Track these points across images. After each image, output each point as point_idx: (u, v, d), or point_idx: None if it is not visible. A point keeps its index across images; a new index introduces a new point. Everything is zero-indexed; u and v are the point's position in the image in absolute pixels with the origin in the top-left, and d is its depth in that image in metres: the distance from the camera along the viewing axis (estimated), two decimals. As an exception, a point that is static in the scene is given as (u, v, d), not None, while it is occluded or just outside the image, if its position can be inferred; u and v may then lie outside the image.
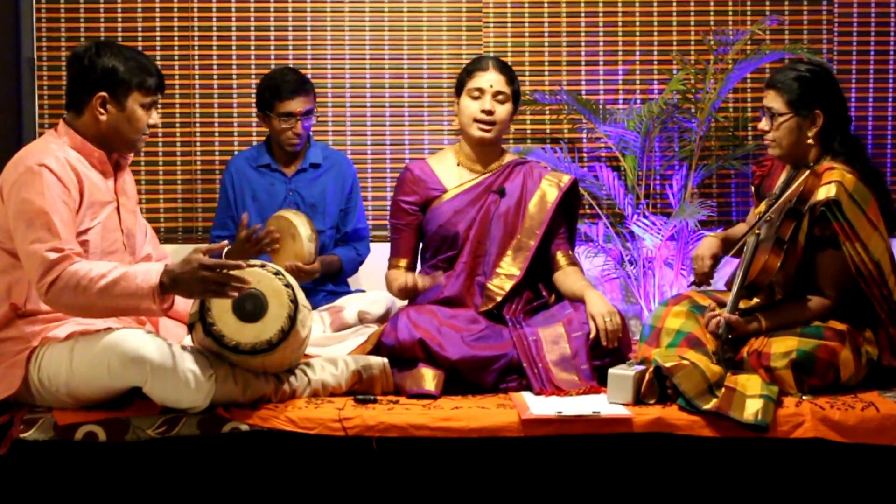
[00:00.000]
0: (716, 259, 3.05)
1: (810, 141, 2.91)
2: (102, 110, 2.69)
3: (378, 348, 2.92)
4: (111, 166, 2.77)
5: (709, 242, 3.08)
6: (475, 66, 3.21)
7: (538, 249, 3.17)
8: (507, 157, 3.29)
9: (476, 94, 3.16)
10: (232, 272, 2.50)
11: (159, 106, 2.82)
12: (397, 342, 2.86)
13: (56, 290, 2.52)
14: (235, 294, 2.53)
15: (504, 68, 3.21)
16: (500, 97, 3.16)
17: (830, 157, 2.91)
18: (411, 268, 3.28)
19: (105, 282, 2.51)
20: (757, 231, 2.89)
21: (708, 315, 2.86)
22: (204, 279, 2.48)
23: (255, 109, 4.39)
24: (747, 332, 2.84)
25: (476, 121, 3.16)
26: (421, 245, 3.31)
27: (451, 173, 3.26)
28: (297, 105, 3.71)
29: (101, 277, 2.51)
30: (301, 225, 3.50)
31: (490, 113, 3.14)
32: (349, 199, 3.90)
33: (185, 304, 2.92)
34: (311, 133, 3.92)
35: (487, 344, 2.91)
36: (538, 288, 3.21)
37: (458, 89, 3.24)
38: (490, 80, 3.16)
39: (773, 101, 2.91)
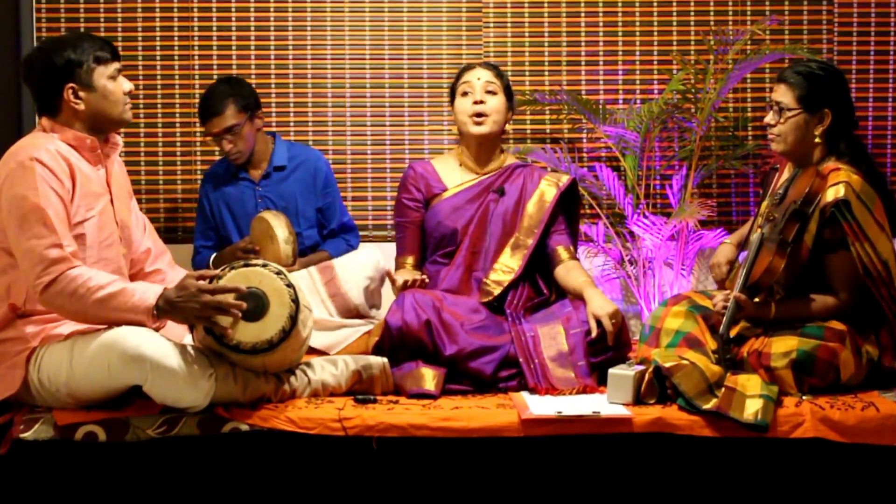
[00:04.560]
0: (732, 265, 3.12)
1: (817, 140, 2.91)
2: (77, 100, 2.69)
3: (383, 335, 2.91)
4: (102, 155, 2.77)
5: (724, 250, 3.13)
6: (463, 69, 3.31)
7: (537, 247, 3.18)
8: (509, 159, 3.32)
9: (466, 90, 3.23)
10: (224, 280, 2.52)
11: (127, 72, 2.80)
12: (404, 323, 2.87)
13: (52, 291, 2.52)
14: (227, 328, 2.55)
15: (490, 66, 3.30)
16: (490, 88, 3.22)
17: (835, 158, 2.91)
18: (418, 265, 3.29)
19: (102, 294, 2.52)
20: (760, 230, 2.89)
21: (717, 299, 2.86)
22: (201, 305, 2.51)
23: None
24: (755, 315, 2.84)
25: (470, 116, 3.21)
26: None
27: (453, 173, 3.30)
28: (213, 127, 3.71)
29: (99, 289, 2.52)
30: (279, 227, 3.50)
31: (481, 103, 3.20)
32: (325, 194, 3.87)
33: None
34: (276, 134, 3.92)
35: (487, 334, 2.93)
36: (538, 285, 3.21)
37: (452, 95, 3.31)
38: (477, 75, 3.24)
39: (783, 95, 2.91)
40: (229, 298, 2.54)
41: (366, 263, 3.47)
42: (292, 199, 3.82)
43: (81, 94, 2.70)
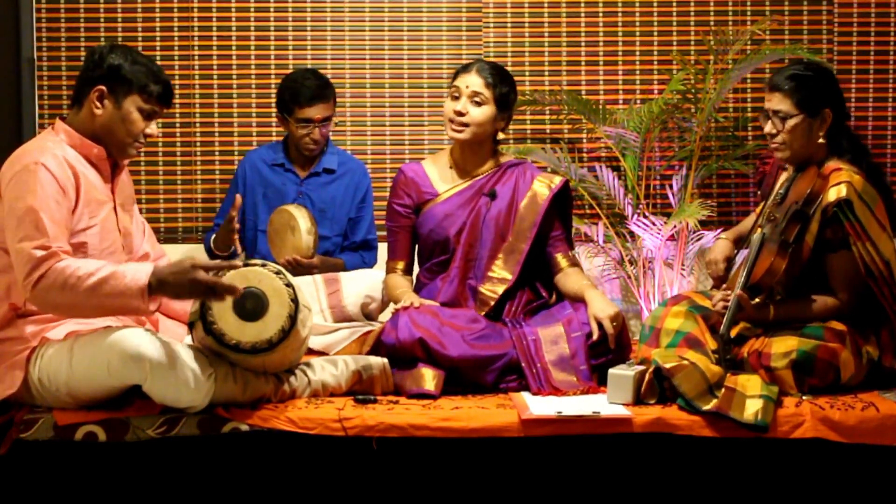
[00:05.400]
0: (729, 261, 3.07)
1: (821, 140, 2.90)
2: (99, 104, 2.68)
3: (377, 347, 2.91)
4: (109, 165, 2.77)
5: (721, 245, 3.09)
6: (460, 69, 3.21)
7: (533, 251, 3.15)
8: (502, 159, 3.26)
9: (455, 94, 3.16)
10: (223, 279, 2.51)
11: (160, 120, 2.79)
12: (397, 341, 2.86)
13: (42, 287, 2.50)
14: (223, 299, 2.53)
15: (486, 71, 3.16)
16: (476, 99, 3.12)
17: (837, 157, 2.90)
18: (408, 270, 3.26)
19: (92, 280, 2.50)
20: (761, 230, 2.89)
21: (717, 298, 2.86)
22: (194, 281, 2.48)
23: (254, 110, 4.41)
24: (756, 317, 2.84)
25: (450, 121, 3.15)
26: (417, 248, 3.30)
27: (444, 176, 3.23)
28: (315, 112, 3.72)
29: (89, 276, 2.50)
30: (301, 218, 3.53)
31: (461, 114, 3.12)
32: (360, 207, 3.91)
33: (185, 304, 2.92)
34: (329, 137, 3.93)
35: (488, 343, 2.91)
36: (537, 289, 3.19)
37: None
38: (467, 81, 3.14)
39: (781, 103, 2.88)
40: (223, 280, 2.51)
41: (371, 283, 3.45)
42: (332, 203, 3.84)
43: (106, 102, 2.69)
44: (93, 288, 2.50)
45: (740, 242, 3.11)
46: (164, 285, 2.50)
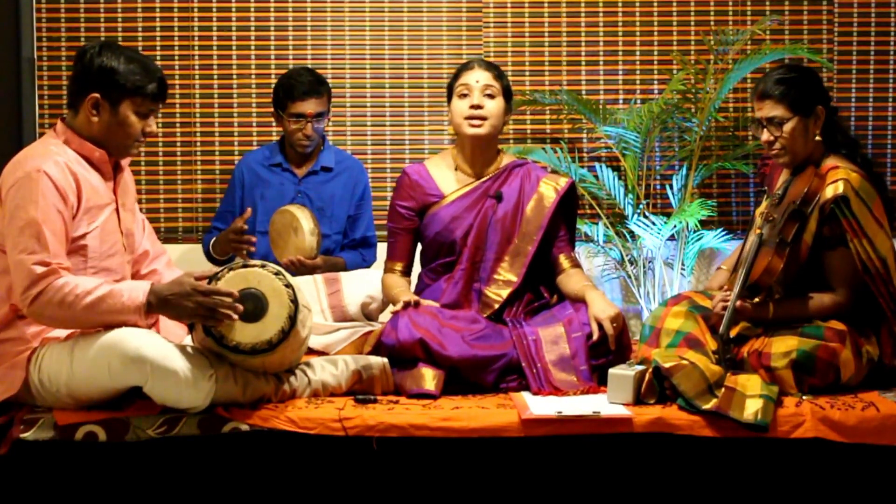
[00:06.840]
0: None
1: (818, 138, 2.90)
2: (94, 111, 2.66)
3: (378, 348, 2.91)
4: (111, 167, 2.77)
5: (719, 277, 3.09)
6: (461, 68, 3.20)
7: (538, 253, 3.14)
8: (505, 159, 3.25)
9: (464, 91, 3.13)
10: (222, 281, 2.50)
11: (159, 114, 2.77)
12: (397, 342, 2.85)
13: (40, 303, 2.51)
14: (222, 322, 2.54)
15: (490, 66, 3.19)
16: (489, 91, 3.12)
17: (834, 153, 2.91)
18: (407, 271, 3.26)
19: (90, 299, 2.51)
20: (759, 231, 2.89)
21: (717, 299, 2.86)
22: (196, 304, 2.51)
23: (255, 109, 4.42)
24: (755, 317, 2.85)
25: (466, 118, 3.12)
26: (420, 249, 3.29)
27: (449, 178, 3.22)
28: (307, 107, 3.73)
29: (87, 294, 2.51)
30: (304, 219, 3.54)
31: (479, 107, 3.11)
32: (359, 205, 3.92)
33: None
34: (325, 136, 3.93)
35: (488, 343, 2.90)
36: (539, 290, 3.19)
37: (449, 95, 3.21)
38: (476, 76, 3.14)
39: (774, 109, 2.88)
40: (225, 300, 2.54)
41: (371, 283, 3.46)
42: (330, 201, 3.84)
43: (101, 110, 2.66)
44: (90, 306, 2.52)
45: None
46: (163, 305, 2.53)
